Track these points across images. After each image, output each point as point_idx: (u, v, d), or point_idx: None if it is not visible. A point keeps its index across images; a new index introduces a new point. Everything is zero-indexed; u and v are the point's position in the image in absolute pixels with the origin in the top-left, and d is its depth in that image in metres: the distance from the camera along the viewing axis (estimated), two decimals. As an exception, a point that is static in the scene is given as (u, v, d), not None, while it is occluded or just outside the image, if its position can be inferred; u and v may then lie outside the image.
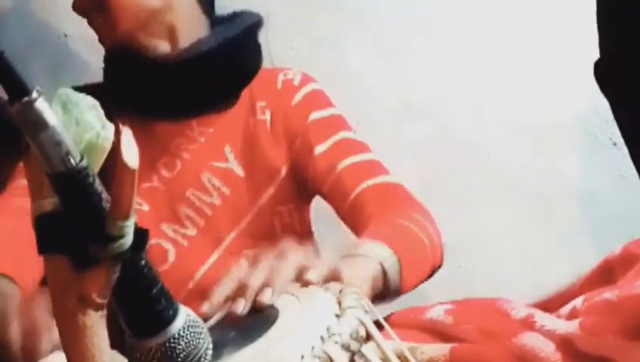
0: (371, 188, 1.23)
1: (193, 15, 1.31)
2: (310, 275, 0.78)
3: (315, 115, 1.30)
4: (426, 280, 1.13)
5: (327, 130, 1.29)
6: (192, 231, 1.26)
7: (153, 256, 1.23)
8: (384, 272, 0.98)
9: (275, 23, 1.57)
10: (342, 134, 1.30)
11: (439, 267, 1.18)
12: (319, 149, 1.27)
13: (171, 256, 1.25)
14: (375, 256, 0.98)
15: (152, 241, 1.23)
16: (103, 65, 1.33)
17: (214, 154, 1.29)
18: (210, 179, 1.27)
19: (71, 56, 1.66)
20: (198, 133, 1.30)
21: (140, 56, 1.26)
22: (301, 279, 0.78)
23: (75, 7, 1.26)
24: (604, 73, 1.09)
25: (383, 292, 0.98)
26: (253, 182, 1.28)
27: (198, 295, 1.18)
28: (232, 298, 0.77)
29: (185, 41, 1.28)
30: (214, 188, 1.27)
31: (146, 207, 1.26)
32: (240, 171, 1.28)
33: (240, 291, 0.77)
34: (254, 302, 0.76)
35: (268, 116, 1.30)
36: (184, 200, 1.27)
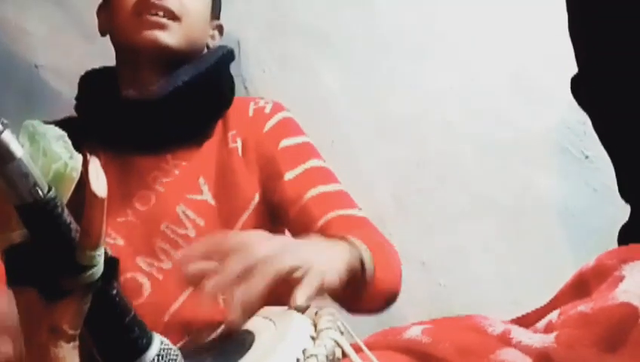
0: (338, 218, 1.23)
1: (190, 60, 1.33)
2: (299, 300, 0.77)
3: (285, 143, 1.31)
4: (389, 299, 1.14)
5: (297, 158, 1.30)
6: (167, 265, 1.25)
7: (128, 290, 1.23)
8: (361, 261, 1.00)
9: (246, 47, 1.57)
10: (312, 162, 1.30)
11: (396, 295, 1.18)
12: (288, 176, 1.28)
13: (146, 290, 1.24)
14: (355, 244, 1.01)
15: (128, 275, 1.23)
16: (75, 100, 1.33)
17: (189, 186, 1.29)
18: (185, 211, 1.27)
19: (42, 86, 1.66)
20: (173, 166, 1.30)
21: (118, 94, 1.27)
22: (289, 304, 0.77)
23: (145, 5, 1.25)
24: (582, 88, 1.11)
25: (358, 282, 0.99)
26: (227, 212, 1.28)
27: (175, 328, 1.17)
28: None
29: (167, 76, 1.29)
30: (189, 219, 1.27)
31: (120, 242, 1.25)
32: (214, 202, 1.28)
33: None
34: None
35: (239, 144, 1.30)
36: (159, 233, 1.26)
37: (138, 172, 1.29)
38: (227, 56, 1.36)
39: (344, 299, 0.99)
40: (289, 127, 1.34)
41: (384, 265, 1.08)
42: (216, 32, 1.38)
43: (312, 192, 1.25)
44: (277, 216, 1.30)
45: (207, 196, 1.28)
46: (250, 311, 0.76)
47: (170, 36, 1.25)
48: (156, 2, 1.23)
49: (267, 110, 1.34)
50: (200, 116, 1.31)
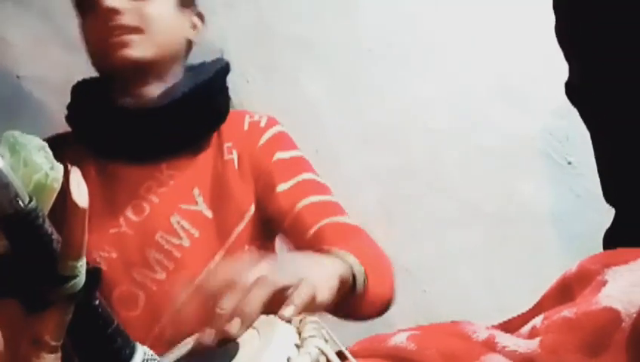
0: (330, 225, 1.24)
1: (180, 61, 1.34)
2: (287, 312, 0.77)
3: (279, 155, 1.32)
4: (382, 310, 1.14)
5: (290, 170, 1.31)
6: (161, 275, 1.25)
7: (124, 301, 1.23)
8: (353, 276, 1.00)
9: (230, 57, 1.57)
10: (305, 175, 1.31)
11: (391, 302, 1.18)
12: (281, 188, 1.29)
13: (142, 302, 1.24)
14: (346, 258, 1.01)
15: (123, 287, 1.23)
16: (67, 109, 1.33)
17: (183, 197, 1.29)
18: (180, 222, 1.27)
19: (24, 97, 1.65)
20: (167, 176, 1.30)
21: (113, 103, 1.27)
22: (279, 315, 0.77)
23: (110, 17, 1.23)
24: (575, 93, 1.11)
25: (349, 297, 0.99)
26: (222, 223, 1.28)
27: (164, 340, 1.17)
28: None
29: (163, 85, 1.29)
30: (183, 230, 1.27)
31: (114, 254, 1.25)
32: (209, 213, 1.28)
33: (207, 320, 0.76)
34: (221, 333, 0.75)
35: (235, 156, 1.31)
36: (153, 243, 1.26)
37: (132, 182, 1.29)
38: (224, 69, 1.37)
39: (336, 311, 1.00)
40: (283, 141, 1.35)
41: (376, 276, 1.08)
42: (196, 20, 1.37)
43: (305, 202, 1.27)
44: (271, 227, 1.31)
45: (202, 207, 1.28)
46: (247, 324, 0.75)
47: (138, 50, 1.24)
48: (114, 23, 1.23)
49: (262, 124, 1.35)
50: (196, 127, 1.32)
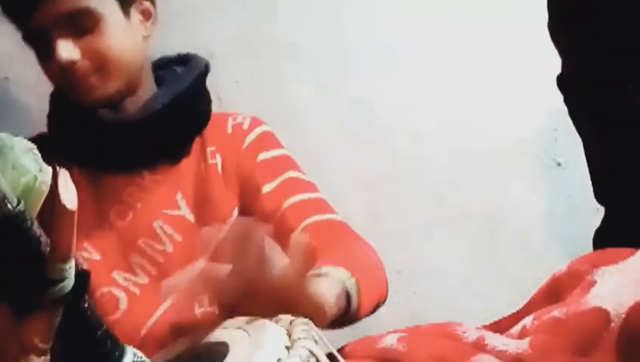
0: (317, 223, 1.23)
1: (149, 71, 1.31)
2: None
3: (263, 156, 1.31)
4: (375, 309, 1.14)
5: (274, 170, 1.30)
6: (144, 280, 1.25)
7: (105, 304, 1.22)
8: (347, 292, 0.98)
9: (219, 59, 1.57)
10: (289, 174, 1.30)
11: (385, 299, 1.18)
12: (266, 188, 1.28)
13: (123, 304, 1.23)
14: (336, 276, 0.99)
15: (104, 289, 1.22)
16: (47, 117, 1.31)
17: (166, 202, 1.28)
18: (162, 227, 1.26)
19: (11, 99, 1.64)
20: (149, 181, 1.29)
21: (95, 116, 1.25)
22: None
23: (67, 70, 1.19)
24: (569, 86, 1.12)
25: (346, 313, 0.98)
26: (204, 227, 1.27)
27: (151, 342, 1.17)
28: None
29: (141, 97, 1.28)
30: (166, 235, 1.26)
31: (97, 256, 1.24)
32: (192, 218, 1.28)
33: None
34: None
35: (219, 160, 1.30)
36: (136, 248, 1.25)
37: (114, 187, 1.27)
38: (204, 71, 1.34)
39: (333, 326, 0.99)
40: (267, 140, 1.34)
41: (369, 282, 1.06)
42: (143, 10, 1.30)
43: (289, 201, 1.26)
44: None
45: (185, 211, 1.28)
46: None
47: (104, 88, 1.21)
48: (73, 75, 1.19)
49: (245, 126, 1.34)
50: (177, 136, 1.30)
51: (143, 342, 1.20)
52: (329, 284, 0.96)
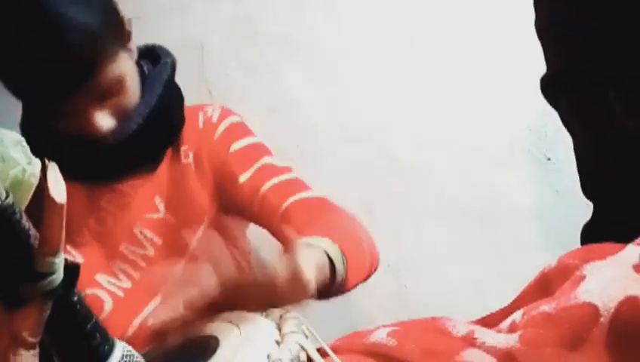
0: (298, 202, 1.23)
1: None
2: None
3: (235, 146, 1.31)
4: (366, 278, 1.13)
5: (248, 159, 1.30)
6: (127, 284, 1.25)
7: (89, 306, 1.22)
8: (330, 260, 0.98)
9: (210, 50, 1.56)
10: (264, 160, 1.30)
11: (376, 268, 1.18)
12: (243, 178, 1.28)
13: (108, 306, 1.24)
14: (317, 245, 0.99)
15: (88, 291, 1.22)
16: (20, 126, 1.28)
17: (145, 206, 1.27)
18: (142, 231, 1.26)
19: (1, 91, 1.64)
20: (128, 187, 1.28)
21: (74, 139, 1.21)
22: None
23: (94, 133, 1.16)
24: (551, 87, 1.12)
25: (331, 282, 0.98)
26: (182, 227, 1.27)
27: (138, 343, 1.17)
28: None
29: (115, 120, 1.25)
30: (146, 239, 1.26)
31: (79, 259, 1.24)
32: (171, 219, 1.27)
33: None
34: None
35: (191, 158, 1.30)
36: (117, 254, 1.25)
37: (91, 195, 1.27)
38: (172, 72, 1.31)
39: (322, 296, 0.98)
40: (237, 130, 1.33)
41: (354, 249, 1.07)
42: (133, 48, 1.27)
43: (268, 185, 1.26)
44: (242, 216, 1.30)
45: (163, 213, 1.27)
46: None
47: (122, 131, 1.19)
48: (97, 136, 1.16)
49: (214, 119, 1.32)
50: (157, 147, 1.28)
51: (129, 342, 1.20)
52: (311, 254, 0.95)
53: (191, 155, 1.30)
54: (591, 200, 1.14)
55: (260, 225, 1.29)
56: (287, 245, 0.92)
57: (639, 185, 1.04)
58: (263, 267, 0.85)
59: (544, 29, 1.12)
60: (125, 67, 1.18)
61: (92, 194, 1.26)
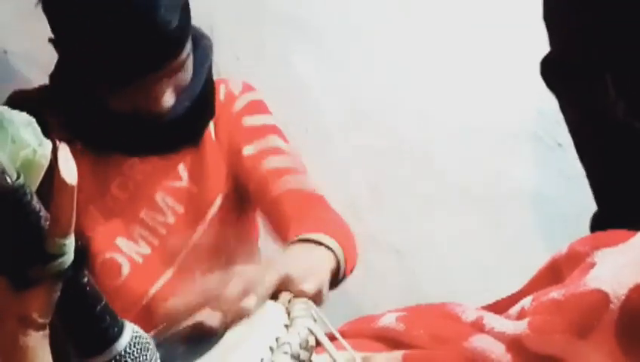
0: (292, 192, 1.24)
1: None
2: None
3: (249, 120, 1.32)
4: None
5: (257, 135, 1.31)
6: (146, 250, 1.26)
7: (107, 269, 1.23)
8: (337, 261, 1.00)
9: (220, 33, 1.56)
10: (272, 141, 1.31)
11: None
12: (246, 151, 1.29)
13: (125, 271, 1.25)
14: (328, 244, 1.00)
15: (107, 255, 1.23)
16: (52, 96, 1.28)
17: (168, 173, 1.29)
18: (164, 198, 1.27)
19: (12, 72, 1.63)
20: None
21: (101, 103, 1.23)
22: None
23: (159, 110, 1.21)
24: (551, 70, 1.11)
25: (336, 280, 1.00)
26: (203, 196, 1.28)
27: (152, 311, 1.17)
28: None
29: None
30: (168, 207, 1.27)
31: (100, 222, 1.25)
32: (193, 188, 1.28)
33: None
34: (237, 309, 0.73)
35: (212, 127, 1.31)
36: (138, 220, 1.26)
37: (115, 160, 1.28)
38: (211, 61, 1.33)
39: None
40: (255, 107, 1.35)
41: (350, 250, 1.09)
42: None
43: (268, 165, 1.27)
44: (242, 193, 1.31)
45: (187, 182, 1.28)
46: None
47: (178, 106, 1.23)
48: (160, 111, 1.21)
49: (236, 92, 1.35)
50: (201, 123, 1.31)
51: (144, 310, 1.21)
52: (324, 257, 0.98)
53: (212, 124, 1.31)
54: (595, 193, 1.14)
55: (253, 203, 1.30)
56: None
57: (636, 174, 1.04)
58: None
59: (547, 13, 1.11)
60: (190, 46, 1.21)
61: (116, 159, 1.27)
